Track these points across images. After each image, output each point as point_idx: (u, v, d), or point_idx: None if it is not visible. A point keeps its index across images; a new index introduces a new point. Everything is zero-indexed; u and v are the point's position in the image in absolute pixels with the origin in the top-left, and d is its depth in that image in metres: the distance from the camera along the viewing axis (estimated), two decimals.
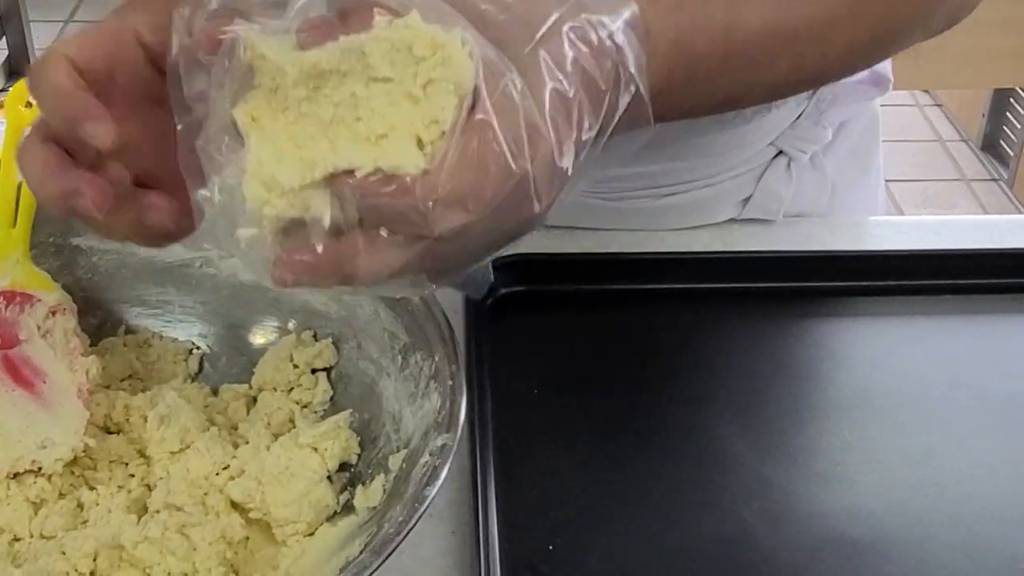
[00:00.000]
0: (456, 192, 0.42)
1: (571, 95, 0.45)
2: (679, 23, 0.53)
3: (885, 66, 0.85)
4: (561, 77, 0.45)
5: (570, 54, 0.45)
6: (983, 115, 2.83)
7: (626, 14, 0.48)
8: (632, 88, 0.48)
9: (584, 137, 0.46)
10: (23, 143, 0.49)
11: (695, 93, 0.57)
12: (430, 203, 0.42)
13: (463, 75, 0.42)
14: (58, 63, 0.47)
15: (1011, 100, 2.76)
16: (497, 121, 0.42)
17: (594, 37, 0.46)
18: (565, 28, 0.45)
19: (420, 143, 0.42)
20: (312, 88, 0.43)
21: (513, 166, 0.43)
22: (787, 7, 0.57)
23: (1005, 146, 2.79)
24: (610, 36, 0.47)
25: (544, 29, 0.45)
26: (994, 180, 2.75)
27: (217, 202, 0.44)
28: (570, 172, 0.45)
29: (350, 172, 0.42)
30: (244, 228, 0.44)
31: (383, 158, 0.42)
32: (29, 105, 0.65)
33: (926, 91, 3.01)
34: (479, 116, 0.43)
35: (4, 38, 2.75)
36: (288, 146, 0.43)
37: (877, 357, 0.75)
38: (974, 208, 2.65)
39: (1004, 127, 2.80)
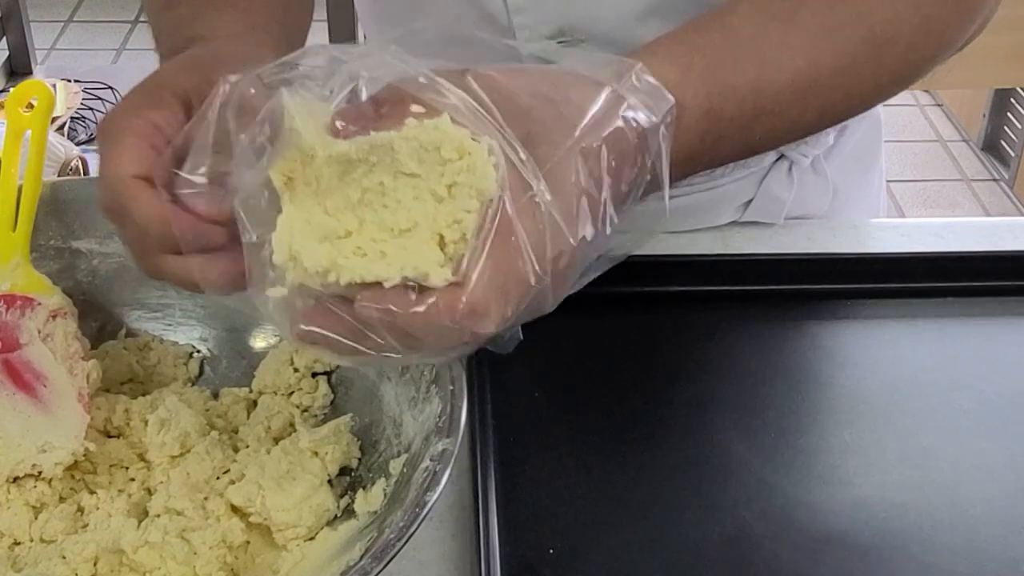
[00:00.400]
0: (482, 307, 0.43)
1: (600, 198, 0.46)
2: (711, 90, 0.54)
3: None
4: (593, 182, 0.45)
5: (605, 159, 0.46)
6: (984, 115, 2.83)
7: (664, 109, 0.49)
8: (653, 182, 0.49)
9: (608, 232, 0.47)
10: (147, 261, 0.51)
11: (724, 153, 0.58)
12: (457, 318, 0.43)
13: (486, 184, 0.43)
14: (138, 190, 0.49)
15: (1012, 100, 2.76)
16: (523, 234, 0.43)
17: (631, 136, 0.47)
18: (604, 132, 0.46)
19: (442, 241, 0.43)
20: (341, 172, 0.44)
21: (532, 281, 0.44)
22: (815, 53, 0.58)
23: (1006, 146, 2.79)
24: (645, 137, 0.48)
25: (584, 124, 0.46)
26: (995, 180, 2.75)
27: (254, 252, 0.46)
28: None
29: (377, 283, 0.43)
30: (273, 288, 0.45)
31: (408, 264, 0.43)
32: (30, 107, 0.65)
33: (927, 91, 3.00)
34: (504, 230, 0.43)
35: (4, 38, 2.75)
36: (317, 212, 0.44)
37: (878, 359, 0.75)
38: (975, 208, 2.65)
39: (1005, 127, 2.80)
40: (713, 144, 0.55)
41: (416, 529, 0.49)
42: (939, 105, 3.03)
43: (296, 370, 0.65)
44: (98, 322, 0.68)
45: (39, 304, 0.63)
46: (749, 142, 0.59)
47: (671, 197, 0.81)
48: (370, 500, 0.57)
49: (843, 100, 0.61)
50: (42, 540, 0.58)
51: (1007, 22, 2.28)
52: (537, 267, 0.44)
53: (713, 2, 0.68)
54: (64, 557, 0.56)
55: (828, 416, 0.71)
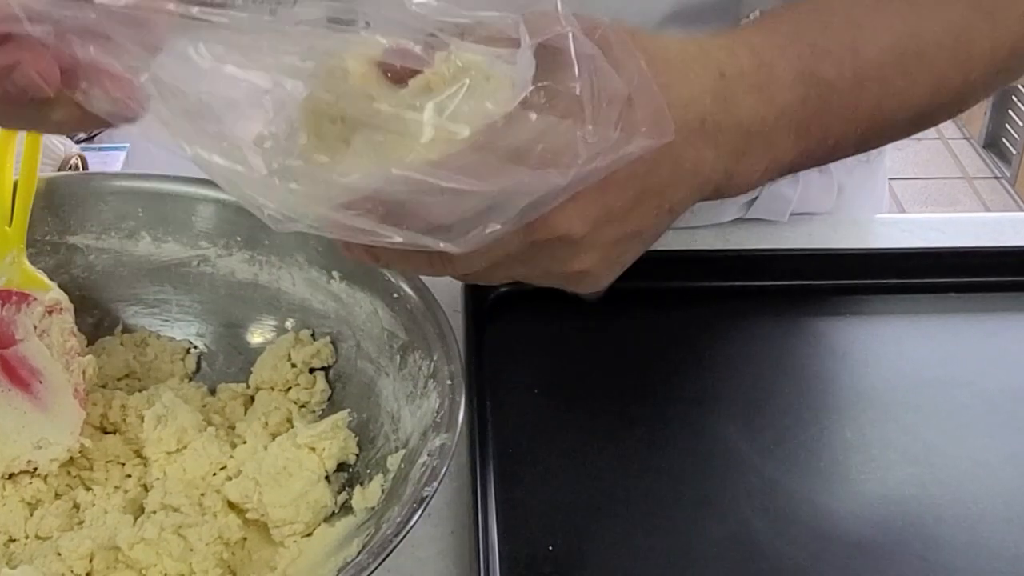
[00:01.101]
0: None
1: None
2: (800, 52, 0.53)
3: None
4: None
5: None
6: (985, 113, 2.82)
7: None
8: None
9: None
10: None
11: (834, 125, 0.55)
12: None
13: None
14: None
15: (1013, 98, 2.75)
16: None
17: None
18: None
19: None
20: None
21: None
22: (916, 21, 0.56)
23: (1007, 144, 2.79)
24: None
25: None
26: (996, 178, 2.75)
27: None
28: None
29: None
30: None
31: None
32: None
33: None
34: None
35: None
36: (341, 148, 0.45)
37: (880, 355, 0.75)
38: (976, 206, 2.65)
39: (1006, 125, 2.80)
40: (818, 113, 0.53)
41: (414, 524, 0.49)
42: None
43: (294, 366, 0.64)
44: (94, 318, 0.68)
45: (35, 300, 0.62)
46: (859, 117, 0.56)
47: None
48: (368, 496, 0.57)
49: (958, 74, 0.58)
50: (37, 537, 0.58)
51: None
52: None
53: (737, 9, 0.67)
54: (59, 554, 0.55)
55: (830, 413, 0.70)
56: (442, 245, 0.43)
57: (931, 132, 2.92)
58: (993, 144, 2.84)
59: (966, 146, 2.87)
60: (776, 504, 0.63)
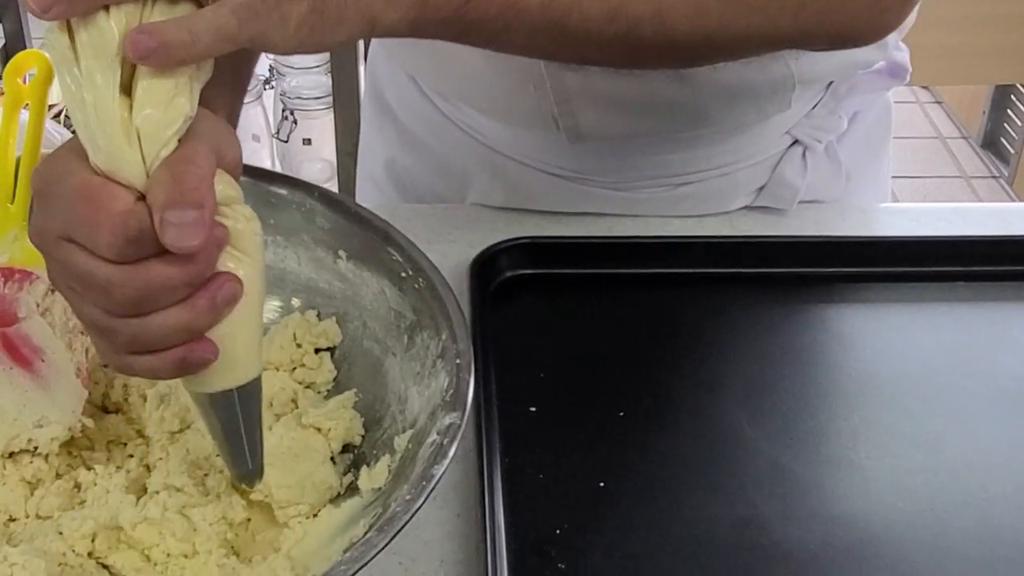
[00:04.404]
0: None
1: None
2: None
3: (904, 56, 0.84)
4: None
5: None
6: (984, 112, 2.82)
7: None
8: None
9: None
10: None
11: None
12: None
13: None
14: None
15: (1012, 97, 2.75)
16: None
17: None
18: None
19: None
20: None
21: None
22: None
23: (1005, 143, 2.78)
24: None
25: None
26: (994, 177, 2.75)
27: None
28: None
29: None
30: None
31: None
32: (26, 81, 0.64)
33: (927, 88, 3.00)
34: None
35: (0, 25, 2.73)
36: None
37: (887, 343, 0.74)
38: None
39: (1005, 124, 2.79)
40: None
41: (424, 502, 0.48)
42: (939, 102, 3.02)
43: (299, 346, 0.64)
44: None
45: (37, 277, 0.61)
46: None
47: (684, 184, 0.81)
48: (374, 477, 0.56)
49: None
50: (38, 516, 0.57)
51: (1007, 19, 2.28)
52: None
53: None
54: (61, 533, 0.54)
55: (838, 399, 0.70)
56: None
57: (929, 131, 2.91)
58: (991, 143, 2.84)
59: (964, 145, 2.86)
60: (784, 489, 0.63)
